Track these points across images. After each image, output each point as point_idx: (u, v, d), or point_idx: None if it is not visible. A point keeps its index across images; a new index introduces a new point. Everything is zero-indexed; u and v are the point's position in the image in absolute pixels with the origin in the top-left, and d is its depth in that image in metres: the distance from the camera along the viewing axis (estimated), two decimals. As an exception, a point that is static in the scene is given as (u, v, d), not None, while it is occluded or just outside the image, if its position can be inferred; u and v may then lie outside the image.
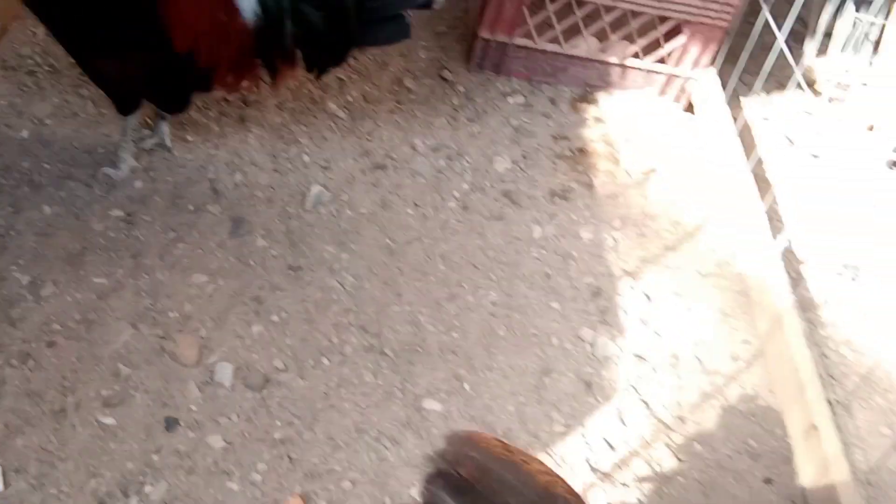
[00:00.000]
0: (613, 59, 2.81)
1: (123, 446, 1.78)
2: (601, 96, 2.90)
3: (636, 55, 2.81)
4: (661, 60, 2.82)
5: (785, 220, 2.52)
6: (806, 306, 2.35)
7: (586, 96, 2.89)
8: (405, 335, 2.09)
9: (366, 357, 2.03)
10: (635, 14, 2.71)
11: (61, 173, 2.31)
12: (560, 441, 1.93)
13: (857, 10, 2.91)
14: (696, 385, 2.11)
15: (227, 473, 1.75)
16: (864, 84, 2.95)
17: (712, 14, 2.66)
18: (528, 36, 2.78)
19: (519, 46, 2.80)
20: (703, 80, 2.82)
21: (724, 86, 2.79)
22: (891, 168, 2.80)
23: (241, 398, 1.89)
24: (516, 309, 2.19)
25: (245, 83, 2.11)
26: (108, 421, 1.81)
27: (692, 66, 2.80)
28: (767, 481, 1.95)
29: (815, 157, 2.86)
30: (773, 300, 2.17)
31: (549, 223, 2.44)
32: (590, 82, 2.89)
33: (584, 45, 2.79)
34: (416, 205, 2.41)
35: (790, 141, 2.88)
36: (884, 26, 2.90)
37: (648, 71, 2.84)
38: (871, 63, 3.00)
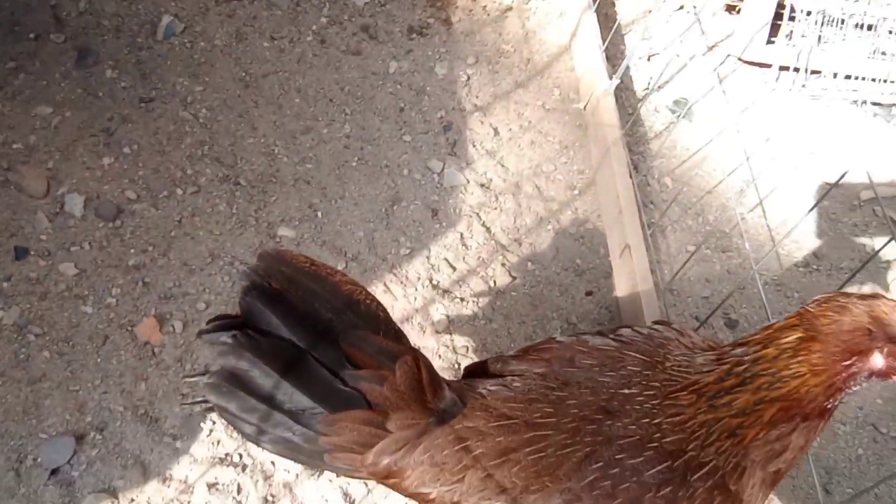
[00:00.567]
0: None
1: (-26, 274, 1.82)
2: (460, -69, 2.89)
3: None
4: None
5: (626, 59, 2.66)
6: (639, 140, 2.53)
7: (446, -70, 2.88)
8: (260, 166, 2.16)
9: (220, 187, 2.09)
10: None
11: None
12: (405, 262, 2.09)
13: None
14: (533, 211, 2.29)
15: (80, 298, 1.83)
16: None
17: None
18: None
19: None
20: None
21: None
22: (729, 12, 2.95)
23: (94, 228, 1.94)
24: (369, 141, 2.29)
25: None
26: (-42, 249, 1.84)
27: None
28: (589, 293, 2.17)
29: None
30: (605, 133, 2.34)
31: (406, 59, 2.50)
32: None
33: None
34: (272, 38, 2.41)
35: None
36: None
37: None
38: None
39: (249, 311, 1.17)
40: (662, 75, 2.66)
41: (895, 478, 1.95)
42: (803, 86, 2.81)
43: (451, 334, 2.00)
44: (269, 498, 1.72)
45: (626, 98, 2.59)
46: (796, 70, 2.81)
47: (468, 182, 2.29)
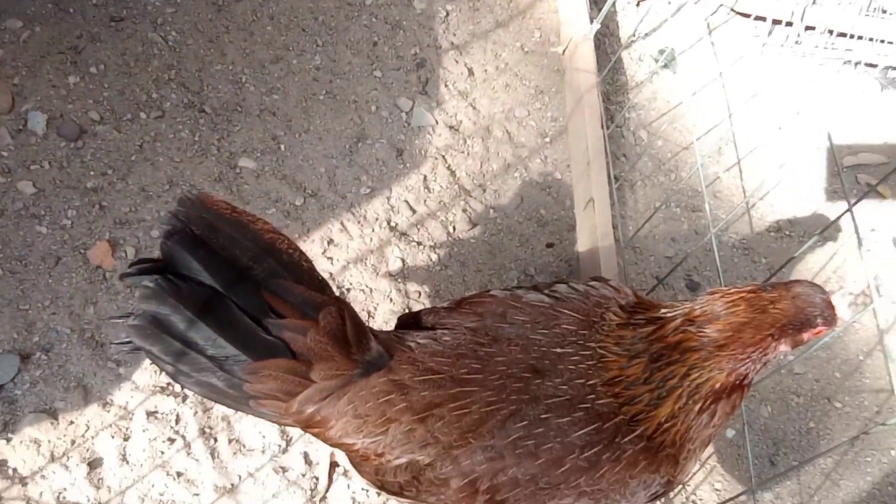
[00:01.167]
0: None
1: (-68, 187, 1.84)
2: None
3: None
4: None
5: (614, 4, 2.61)
6: (619, 89, 2.50)
7: None
8: (226, 94, 2.15)
9: (184, 113, 2.09)
10: None
11: None
12: (365, 202, 2.10)
13: None
14: (501, 157, 2.29)
15: (36, 217, 1.85)
16: None
17: None
18: None
19: None
20: None
21: None
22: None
23: (55, 147, 1.95)
24: (339, 75, 2.27)
25: None
26: (-83, 162, 1.85)
27: None
28: (549, 245, 2.19)
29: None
30: (580, 80, 2.31)
31: (384, -10, 2.45)
32: None
33: None
34: (243, -38, 2.37)
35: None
36: None
37: None
38: None
39: (171, 255, 1.19)
40: (650, 22, 2.61)
41: (838, 448, 2.00)
42: (797, 42, 2.75)
43: (404, 278, 2.02)
44: (207, 430, 1.78)
45: (610, 44, 2.55)
46: (790, 24, 2.75)
47: (437, 123, 2.29)
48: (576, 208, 2.24)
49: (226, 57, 2.20)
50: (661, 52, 2.62)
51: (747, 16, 2.72)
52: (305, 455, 1.81)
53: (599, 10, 2.49)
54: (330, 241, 2.02)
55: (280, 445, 1.80)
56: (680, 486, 1.94)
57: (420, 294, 2.02)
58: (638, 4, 2.73)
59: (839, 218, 1.53)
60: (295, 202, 2.04)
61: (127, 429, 1.74)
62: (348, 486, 1.80)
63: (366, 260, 2.02)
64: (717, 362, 1.27)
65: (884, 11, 2.75)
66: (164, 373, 1.25)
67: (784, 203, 2.41)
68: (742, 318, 1.25)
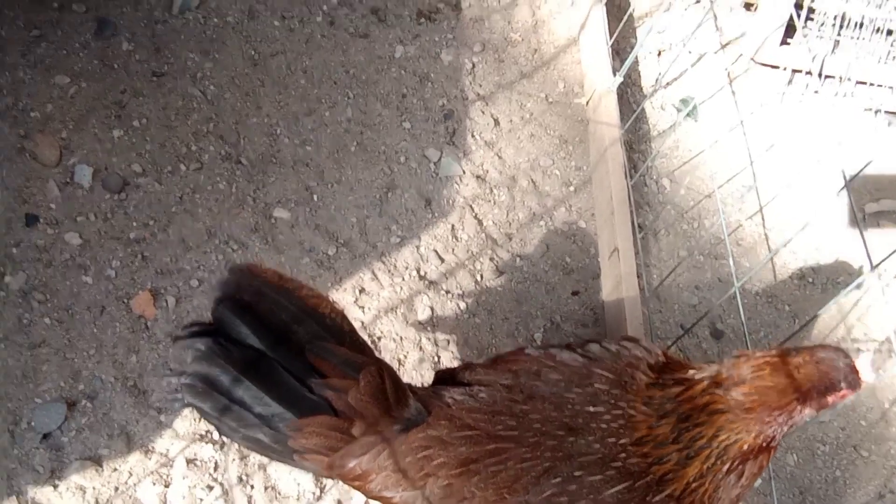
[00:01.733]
0: None
1: (-15, 239, 1.92)
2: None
3: None
4: None
5: (634, 49, 2.67)
6: (641, 138, 2.57)
7: (467, -89, 2.89)
8: (262, 146, 2.23)
9: (222, 165, 2.17)
10: None
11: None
12: (395, 251, 2.17)
13: None
14: (527, 206, 2.35)
15: (83, 268, 1.93)
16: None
17: None
18: None
19: None
20: None
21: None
22: (747, 9, 2.95)
23: (100, 199, 2.04)
24: (369, 126, 2.35)
25: None
26: (-30, 214, 1.94)
27: None
28: (575, 293, 2.24)
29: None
30: (604, 132, 2.38)
31: (412, 44, 2.54)
32: None
33: None
34: (282, 16, 2.46)
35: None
36: None
37: None
38: None
39: (222, 320, 1.26)
40: (671, 72, 2.67)
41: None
42: (816, 91, 2.81)
43: (433, 327, 2.08)
44: (244, 477, 1.84)
45: (632, 94, 2.62)
46: (809, 74, 2.81)
47: (464, 173, 2.35)
48: (600, 257, 2.30)
49: (261, 110, 2.28)
50: (683, 101, 2.68)
51: (766, 66, 2.78)
52: (339, 503, 1.86)
53: (622, 61, 2.57)
54: (361, 290, 2.08)
55: (314, 493, 1.86)
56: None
57: (449, 342, 2.08)
58: (659, 55, 2.80)
59: (867, 272, 1.57)
60: (328, 251, 2.11)
61: (167, 476, 1.80)
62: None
63: (396, 309, 2.08)
64: (745, 425, 1.31)
65: (902, 58, 2.81)
66: (212, 427, 1.32)
67: (806, 250, 2.45)
68: (768, 383, 1.30)
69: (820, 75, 2.79)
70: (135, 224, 2.02)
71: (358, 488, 1.43)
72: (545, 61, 2.64)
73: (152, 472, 1.79)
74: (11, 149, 2.03)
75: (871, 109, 2.78)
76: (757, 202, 2.52)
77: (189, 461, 1.82)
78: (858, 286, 1.88)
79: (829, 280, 2.42)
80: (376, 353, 1.41)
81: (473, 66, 2.56)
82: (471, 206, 2.31)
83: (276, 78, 2.35)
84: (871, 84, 2.74)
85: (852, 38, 2.73)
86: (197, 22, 2.38)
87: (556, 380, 1.49)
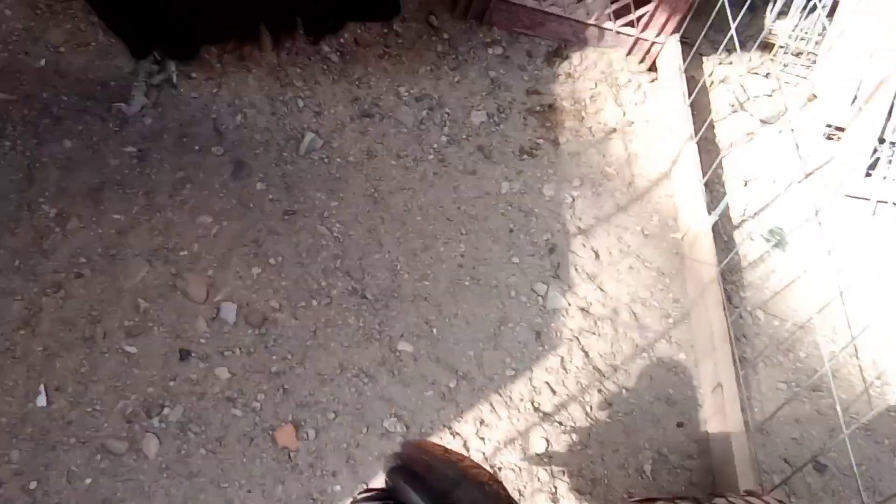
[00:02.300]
0: (587, 19, 3.03)
1: (145, 373, 2.11)
2: (573, 53, 3.13)
3: (608, 17, 3.02)
4: (631, 24, 3.04)
5: (724, 186, 2.84)
6: (732, 269, 2.71)
7: (560, 51, 3.12)
8: (384, 281, 2.41)
9: (349, 300, 2.35)
10: (612, -18, 2.91)
11: (78, 106, 2.52)
12: (510, 384, 2.31)
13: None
14: (630, 338, 2.49)
15: (231, 401, 2.10)
16: (814, 52, 3.21)
17: (680, -11, 2.87)
18: (512, -9, 2.97)
19: (501, 0, 2.99)
20: (667, 46, 3.06)
21: (692, 43, 3.02)
22: (826, 139, 3.11)
23: (243, 334, 2.22)
24: (481, 261, 2.52)
25: (250, 48, 2.31)
26: (131, 349, 2.13)
27: (658, 31, 3.03)
28: (680, 425, 2.36)
29: (763, 122, 3.15)
30: (701, 267, 2.53)
31: (517, 179, 2.73)
32: (564, 37, 3.11)
33: (562, 4, 3.00)
34: (398, 155, 2.67)
35: (741, 105, 3.16)
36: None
37: (618, 32, 3.06)
38: (822, 31, 3.23)
39: (395, 488, 1.43)
40: (758, 202, 2.83)
41: None
42: (899, 221, 2.94)
43: (549, 458, 2.21)
44: None
45: (721, 224, 2.76)
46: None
47: (569, 306, 2.50)
48: (703, 390, 2.41)
49: (383, 246, 2.47)
50: (772, 231, 2.82)
51: (851, 196, 2.93)
52: None
53: (711, 191, 2.73)
54: (481, 422, 2.22)
55: None
56: None
57: (564, 472, 2.20)
58: (745, 184, 2.96)
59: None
60: (449, 384, 2.26)
61: None
62: None
63: (514, 441, 2.21)
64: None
65: None
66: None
67: (899, 382, 2.55)
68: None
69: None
70: (275, 358, 2.19)
71: None
72: (639, 195, 2.81)
73: None
74: (165, 286, 2.23)
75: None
76: (849, 333, 2.63)
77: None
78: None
79: (924, 411, 2.51)
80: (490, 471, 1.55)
81: (573, 199, 2.74)
82: (577, 339, 2.45)
83: (395, 215, 2.54)
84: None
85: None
86: (322, 162, 2.59)
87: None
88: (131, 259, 2.26)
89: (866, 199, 2.92)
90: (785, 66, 3.29)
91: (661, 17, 2.97)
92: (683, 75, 3.01)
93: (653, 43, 3.06)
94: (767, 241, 2.80)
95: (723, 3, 2.73)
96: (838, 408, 1.99)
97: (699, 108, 3.01)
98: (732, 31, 2.62)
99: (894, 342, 2.61)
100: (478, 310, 2.42)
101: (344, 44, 2.89)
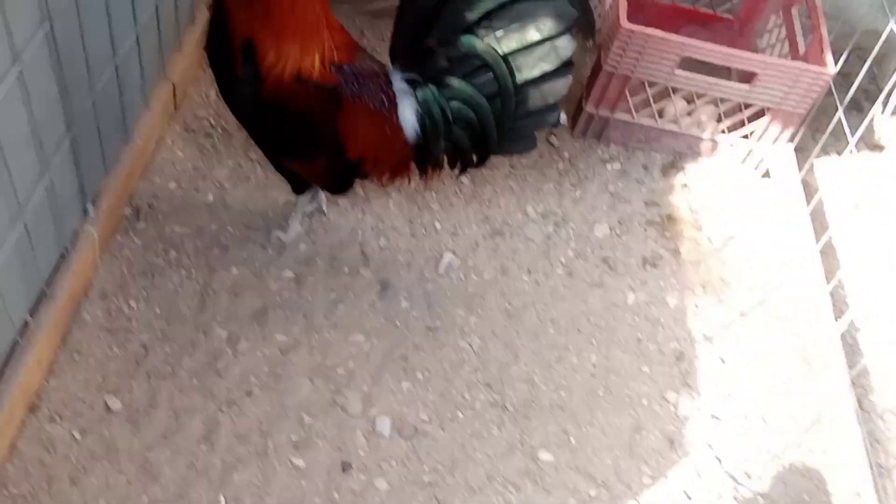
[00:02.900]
0: (702, 134, 3.20)
1: (311, 485, 2.32)
2: (688, 164, 3.30)
3: (722, 131, 3.19)
4: (745, 136, 3.20)
5: (848, 296, 2.93)
6: (861, 372, 2.77)
7: (675, 163, 3.30)
8: (523, 393, 2.58)
9: (491, 412, 2.53)
10: (723, 100, 3.09)
11: (242, 236, 2.82)
12: (648, 492, 2.42)
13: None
14: (761, 444, 2.57)
15: (391, 511, 2.28)
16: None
17: (792, 104, 3.02)
18: (628, 112, 3.18)
19: (619, 119, 3.20)
20: (782, 155, 3.20)
21: (806, 150, 3.14)
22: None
23: (397, 446, 2.42)
24: (613, 371, 2.66)
25: (399, 180, 2.57)
26: (299, 462, 2.35)
27: (773, 141, 3.18)
28: (815, 533, 2.42)
29: (885, 226, 3.22)
30: (831, 374, 2.60)
31: (641, 290, 2.88)
32: (679, 150, 3.29)
33: (676, 121, 3.18)
34: (529, 271, 2.87)
35: (860, 210, 3.25)
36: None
37: (731, 144, 3.22)
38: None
39: None
40: (882, 305, 2.89)
41: None
42: None
43: (691, 566, 2.30)
44: None
45: (847, 329, 2.83)
46: None
47: (700, 412, 2.61)
48: (838, 497, 2.47)
49: (519, 359, 2.65)
50: (896, 336, 2.87)
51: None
52: None
53: (834, 298, 2.81)
54: (623, 530, 2.34)
55: None
56: None
57: (706, 581, 2.28)
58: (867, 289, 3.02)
59: None
60: (590, 492, 2.39)
61: None
62: None
63: (655, 548, 2.32)
64: None
65: None
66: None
67: None
68: None
69: None
70: (427, 469, 2.37)
71: None
72: (761, 301, 2.92)
73: None
74: (325, 402, 2.45)
75: None
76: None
77: None
78: None
79: None
80: None
81: (697, 307, 2.87)
82: (710, 445, 2.55)
83: (529, 328, 2.72)
84: None
85: None
86: (459, 279, 2.81)
87: None
88: (295, 377, 2.50)
89: None
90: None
91: (774, 129, 3.12)
92: (799, 183, 3.14)
93: (766, 152, 3.20)
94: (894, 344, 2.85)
95: (839, 116, 2.87)
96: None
97: (816, 214, 3.12)
98: (852, 146, 2.74)
99: None
100: (612, 418, 2.56)
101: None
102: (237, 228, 2.84)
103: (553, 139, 3.28)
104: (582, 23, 2.27)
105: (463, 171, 2.55)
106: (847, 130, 2.79)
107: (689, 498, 2.43)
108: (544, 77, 2.31)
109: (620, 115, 3.19)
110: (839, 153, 3.31)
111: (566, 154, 3.27)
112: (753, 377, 2.71)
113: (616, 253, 2.98)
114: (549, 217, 3.06)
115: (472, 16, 2.22)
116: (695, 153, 3.28)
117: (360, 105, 2.33)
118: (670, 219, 3.13)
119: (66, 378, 2.38)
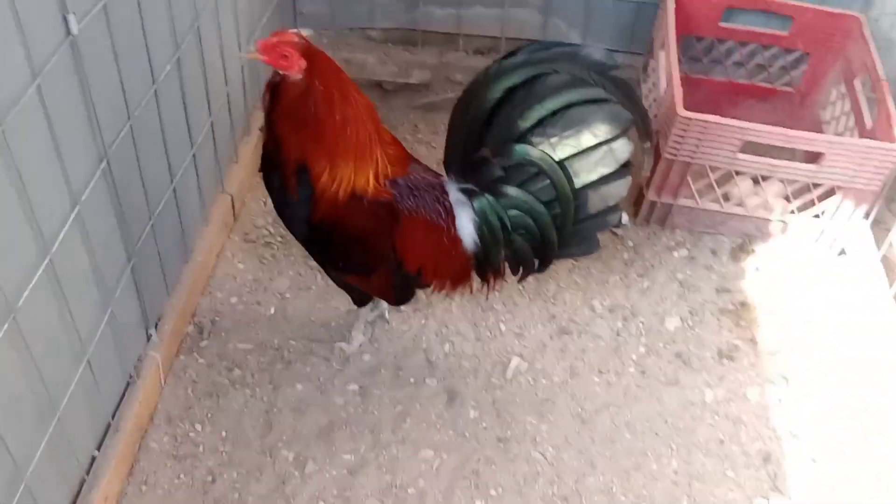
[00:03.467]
0: (770, 216, 3.08)
1: None
2: (759, 246, 3.18)
3: (792, 212, 3.07)
4: (817, 216, 3.07)
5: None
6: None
7: (745, 246, 3.18)
8: (601, 503, 2.45)
9: (570, 527, 2.40)
10: (791, 181, 2.97)
11: (304, 349, 2.79)
12: None
13: None
14: (862, 553, 2.39)
15: None
16: None
17: (864, 181, 2.89)
18: (691, 197, 3.09)
19: (682, 205, 3.10)
20: (858, 232, 3.06)
21: (884, 225, 3.01)
22: None
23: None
24: (696, 477, 2.52)
25: (460, 289, 2.51)
26: (372, 591, 2.26)
27: (847, 219, 3.04)
28: None
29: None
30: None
31: (719, 385, 2.75)
32: (748, 233, 3.17)
33: (742, 203, 3.08)
34: (600, 371, 2.76)
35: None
36: None
37: (804, 224, 3.09)
38: None
39: None
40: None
41: None
42: None
43: None
44: None
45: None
46: None
47: (794, 519, 2.44)
48: None
49: (595, 468, 2.53)
50: None
51: None
52: None
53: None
54: None
55: None
56: None
57: None
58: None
59: None
60: None
61: None
62: None
63: None
64: None
65: None
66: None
67: None
68: None
69: None
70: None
71: None
72: (851, 392, 2.74)
73: None
74: (400, 524, 2.36)
75: None
76: None
77: None
78: None
79: None
80: None
81: (780, 401, 2.72)
82: (807, 556, 2.37)
83: (604, 433, 2.61)
84: None
85: None
86: (528, 384, 2.72)
87: None
88: (364, 499, 2.43)
89: None
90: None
91: (847, 207, 2.99)
92: (879, 261, 2.99)
93: (841, 230, 3.06)
94: None
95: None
96: None
97: (899, 294, 2.96)
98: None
99: None
100: (699, 530, 2.41)
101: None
102: (300, 341, 2.81)
103: (616, 228, 3.20)
104: (638, 125, 2.21)
105: (524, 277, 2.48)
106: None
107: None
108: (603, 180, 2.25)
109: (684, 201, 3.10)
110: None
111: (630, 243, 3.19)
112: (850, 478, 2.54)
113: (689, 346, 2.86)
114: (617, 311, 2.96)
115: (524, 124, 2.18)
116: (764, 235, 3.16)
117: (416, 218, 2.31)
118: (744, 306, 3.01)
119: (134, 512, 2.35)
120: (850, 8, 3.24)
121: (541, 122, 2.18)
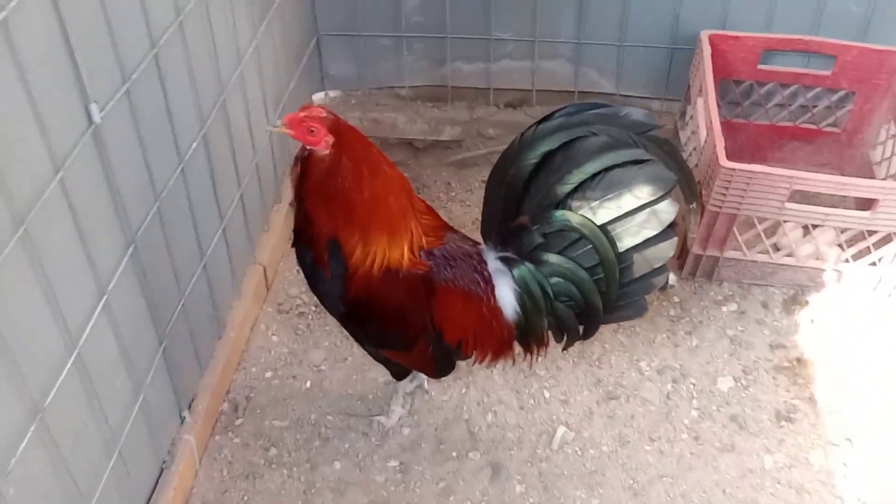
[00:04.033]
0: (823, 265, 2.94)
1: None
2: (813, 297, 3.03)
3: (846, 260, 2.92)
4: (873, 264, 2.92)
5: None
6: None
7: (798, 298, 3.04)
8: (661, 586, 2.30)
9: None
10: (844, 230, 2.83)
11: (342, 424, 2.69)
12: None
13: None
14: None
15: None
16: None
17: (922, 227, 2.75)
18: (739, 249, 2.96)
19: (730, 258, 2.97)
20: (919, 278, 2.90)
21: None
22: None
23: None
24: (760, 552, 2.36)
25: (502, 360, 2.40)
26: None
27: (906, 265, 2.89)
28: None
29: None
30: None
31: (779, 451, 2.59)
32: (800, 283, 3.03)
33: (794, 255, 2.94)
34: (651, 439, 2.63)
35: None
36: None
37: (860, 272, 2.95)
38: None
39: None
40: None
41: None
42: None
43: None
44: None
45: None
46: None
47: None
48: None
49: (652, 545, 2.37)
50: None
51: None
52: None
53: None
54: None
55: None
56: None
57: None
58: None
59: None
60: None
61: None
62: None
63: None
64: None
65: None
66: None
67: None
68: None
69: None
70: None
71: None
72: (921, 453, 2.57)
73: None
74: None
75: None
76: None
77: None
78: None
79: None
80: None
81: (846, 466, 2.56)
82: None
83: (659, 507, 2.46)
84: None
85: None
86: (575, 455, 2.59)
87: None
88: (416, 589, 2.30)
89: None
90: None
91: (905, 253, 2.84)
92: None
93: (899, 278, 2.91)
94: None
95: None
96: None
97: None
98: None
99: None
100: None
101: (577, 323, 2.94)
102: (337, 416, 2.71)
103: (663, 290, 3.06)
104: (682, 185, 2.11)
105: (569, 345, 2.37)
106: None
107: None
108: (647, 242, 2.14)
109: (731, 253, 2.98)
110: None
111: (676, 298, 3.06)
112: (926, 550, 2.36)
113: (745, 408, 2.72)
114: (666, 373, 2.83)
115: (563, 189, 2.10)
116: (818, 285, 3.01)
117: (454, 289, 2.22)
118: (800, 361, 2.86)
119: None
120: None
121: (580, 186, 2.09)
